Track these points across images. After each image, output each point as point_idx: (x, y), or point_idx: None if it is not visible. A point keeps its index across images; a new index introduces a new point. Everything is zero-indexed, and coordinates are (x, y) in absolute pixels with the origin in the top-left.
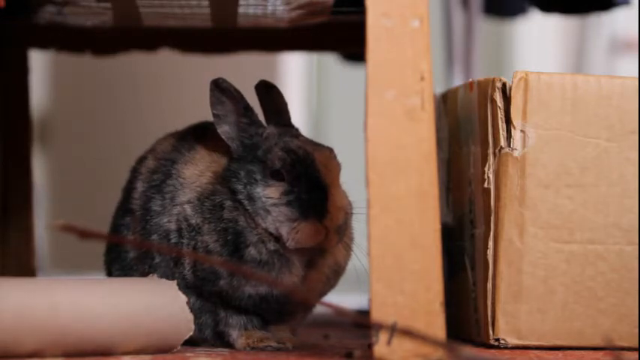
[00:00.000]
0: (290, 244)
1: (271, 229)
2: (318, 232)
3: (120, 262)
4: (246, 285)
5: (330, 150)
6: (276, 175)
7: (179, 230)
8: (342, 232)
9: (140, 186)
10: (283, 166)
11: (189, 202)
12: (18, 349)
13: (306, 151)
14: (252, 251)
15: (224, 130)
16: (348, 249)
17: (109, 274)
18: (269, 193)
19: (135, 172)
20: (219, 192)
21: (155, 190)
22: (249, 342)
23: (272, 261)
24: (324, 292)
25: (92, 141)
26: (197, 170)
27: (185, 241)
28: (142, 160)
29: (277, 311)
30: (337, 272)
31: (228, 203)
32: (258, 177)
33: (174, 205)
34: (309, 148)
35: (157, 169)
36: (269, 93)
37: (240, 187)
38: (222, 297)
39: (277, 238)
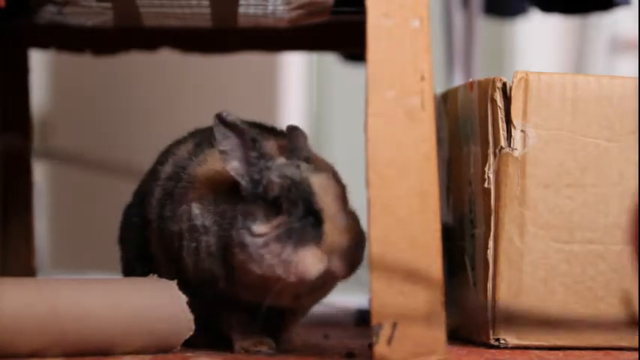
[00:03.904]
0: (293, 280)
1: (267, 272)
2: (317, 259)
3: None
4: (246, 291)
5: (331, 173)
6: (274, 207)
7: (182, 231)
8: (353, 257)
9: (157, 193)
10: (281, 193)
11: (199, 199)
12: (18, 349)
13: (302, 176)
14: (237, 275)
15: (233, 166)
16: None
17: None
18: (261, 230)
19: (154, 176)
20: (228, 209)
21: (168, 196)
22: (245, 345)
23: (255, 287)
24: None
25: (92, 141)
26: (210, 171)
27: (186, 243)
28: (161, 162)
29: (277, 312)
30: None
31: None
32: (255, 218)
33: (180, 205)
34: (306, 174)
35: (172, 175)
36: (290, 135)
37: (234, 242)
38: (221, 298)
39: None
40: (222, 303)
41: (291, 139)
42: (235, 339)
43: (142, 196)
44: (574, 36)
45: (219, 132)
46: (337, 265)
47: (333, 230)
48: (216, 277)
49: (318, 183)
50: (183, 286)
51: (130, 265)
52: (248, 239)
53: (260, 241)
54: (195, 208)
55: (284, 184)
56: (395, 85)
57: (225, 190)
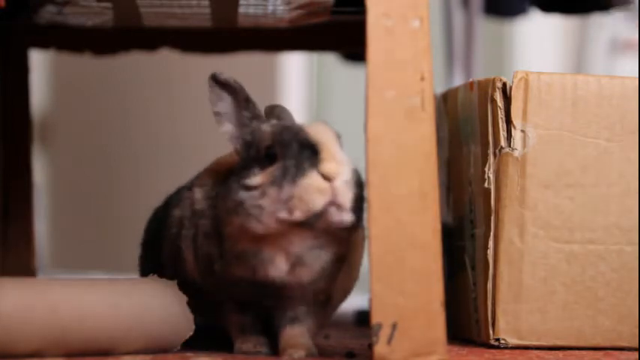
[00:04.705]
0: (299, 216)
1: (270, 223)
2: (320, 185)
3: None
4: (232, 269)
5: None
6: (268, 158)
7: (183, 218)
8: (355, 191)
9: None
10: (273, 140)
11: (201, 185)
12: (18, 349)
13: (294, 123)
14: (228, 245)
15: (226, 129)
16: (356, 242)
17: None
18: (257, 181)
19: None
20: (231, 188)
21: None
22: (244, 348)
23: (246, 259)
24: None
25: (92, 141)
26: (214, 162)
27: (184, 232)
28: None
29: (274, 296)
30: (338, 263)
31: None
32: (249, 174)
33: (185, 191)
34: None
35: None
36: (273, 112)
37: (229, 203)
38: (220, 288)
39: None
40: (222, 301)
41: (277, 114)
42: (235, 340)
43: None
44: (574, 36)
45: (214, 93)
46: (341, 194)
47: (331, 158)
48: (212, 261)
49: (312, 126)
50: (184, 287)
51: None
52: (244, 195)
53: (256, 193)
54: (197, 193)
55: (275, 130)
56: (395, 85)
57: (225, 175)
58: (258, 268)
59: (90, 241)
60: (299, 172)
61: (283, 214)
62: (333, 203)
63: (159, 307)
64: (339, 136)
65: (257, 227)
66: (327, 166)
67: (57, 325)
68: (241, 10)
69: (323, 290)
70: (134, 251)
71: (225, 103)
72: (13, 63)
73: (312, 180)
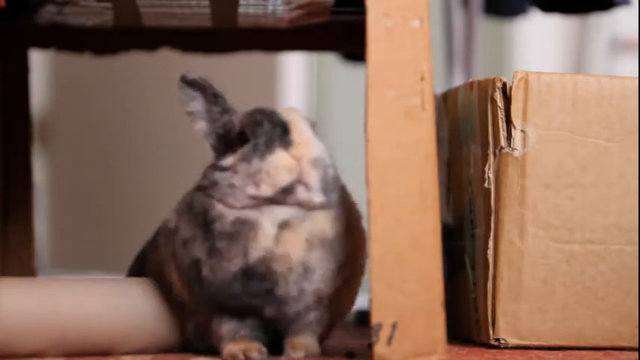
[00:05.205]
0: (266, 191)
1: (242, 199)
2: (287, 162)
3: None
4: (222, 261)
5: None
6: (241, 141)
7: (161, 246)
8: (322, 170)
9: None
10: (244, 123)
11: (174, 209)
12: (18, 349)
13: (265, 107)
14: (217, 226)
15: (200, 127)
16: (337, 220)
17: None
18: (229, 162)
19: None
20: (197, 194)
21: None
22: (233, 351)
23: (237, 230)
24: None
25: (92, 141)
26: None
27: (164, 250)
28: None
29: (266, 292)
30: (324, 242)
31: (198, 195)
32: (222, 157)
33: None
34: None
35: None
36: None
37: (205, 182)
38: (211, 299)
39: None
40: (212, 313)
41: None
42: (224, 345)
43: None
44: (574, 36)
45: (185, 93)
46: (307, 172)
47: (302, 138)
48: (200, 268)
49: (283, 109)
50: (174, 307)
51: None
52: (218, 175)
53: (229, 172)
54: (170, 216)
55: (246, 115)
56: (395, 85)
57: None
58: (248, 237)
59: (90, 241)
60: (268, 149)
61: (251, 190)
62: (300, 181)
63: (159, 307)
64: (313, 123)
65: (233, 205)
66: (297, 148)
67: (57, 325)
68: (241, 10)
69: (324, 292)
70: (134, 251)
71: (197, 102)
72: (13, 63)
73: (279, 157)
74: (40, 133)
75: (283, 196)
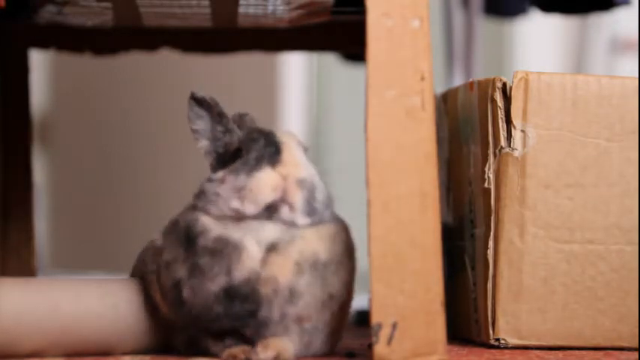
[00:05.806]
0: (250, 209)
1: (225, 211)
2: (272, 180)
3: None
4: (204, 279)
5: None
6: (235, 157)
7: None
8: (308, 192)
9: None
10: (241, 140)
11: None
12: (18, 349)
13: (264, 128)
14: (200, 241)
15: (202, 145)
16: (331, 240)
17: None
18: (219, 175)
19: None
20: (184, 211)
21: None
22: (233, 351)
23: (220, 248)
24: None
25: (92, 141)
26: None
27: (149, 268)
28: None
29: (248, 314)
30: (316, 266)
31: (185, 212)
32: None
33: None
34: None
35: None
36: (242, 120)
37: (195, 193)
38: (192, 320)
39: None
40: (199, 329)
41: (247, 122)
42: (212, 353)
43: None
44: (574, 36)
45: (193, 111)
46: (291, 191)
47: (292, 158)
48: (180, 289)
49: (279, 131)
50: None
51: None
52: (207, 185)
53: (216, 183)
54: (156, 236)
55: (243, 134)
56: (395, 85)
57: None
58: (232, 258)
59: (90, 241)
60: (257, 165)
61: (235, 204)
62: (284, 200)
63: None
64: (305, 147)
65: (215, 214)
66: (284, 164)
67: (57, 325)
68: (241, 10)
69: (307, 319)
70: (134, 251)
71: (203, 121)
72: (13, 63)
73: (265, 174)
74: (40, 133)
75: (267, 214)
